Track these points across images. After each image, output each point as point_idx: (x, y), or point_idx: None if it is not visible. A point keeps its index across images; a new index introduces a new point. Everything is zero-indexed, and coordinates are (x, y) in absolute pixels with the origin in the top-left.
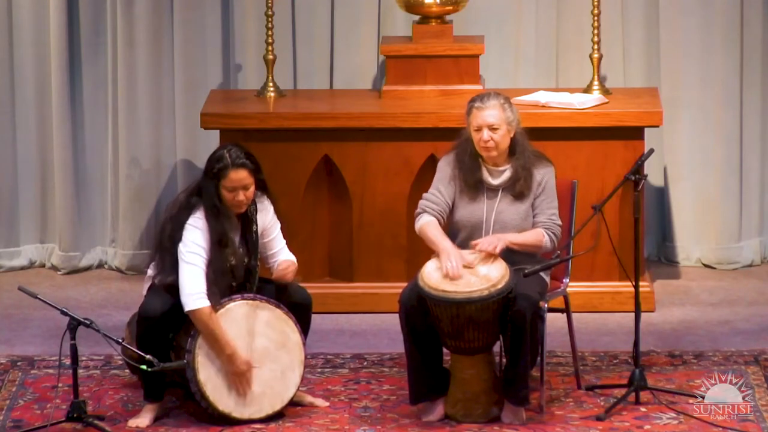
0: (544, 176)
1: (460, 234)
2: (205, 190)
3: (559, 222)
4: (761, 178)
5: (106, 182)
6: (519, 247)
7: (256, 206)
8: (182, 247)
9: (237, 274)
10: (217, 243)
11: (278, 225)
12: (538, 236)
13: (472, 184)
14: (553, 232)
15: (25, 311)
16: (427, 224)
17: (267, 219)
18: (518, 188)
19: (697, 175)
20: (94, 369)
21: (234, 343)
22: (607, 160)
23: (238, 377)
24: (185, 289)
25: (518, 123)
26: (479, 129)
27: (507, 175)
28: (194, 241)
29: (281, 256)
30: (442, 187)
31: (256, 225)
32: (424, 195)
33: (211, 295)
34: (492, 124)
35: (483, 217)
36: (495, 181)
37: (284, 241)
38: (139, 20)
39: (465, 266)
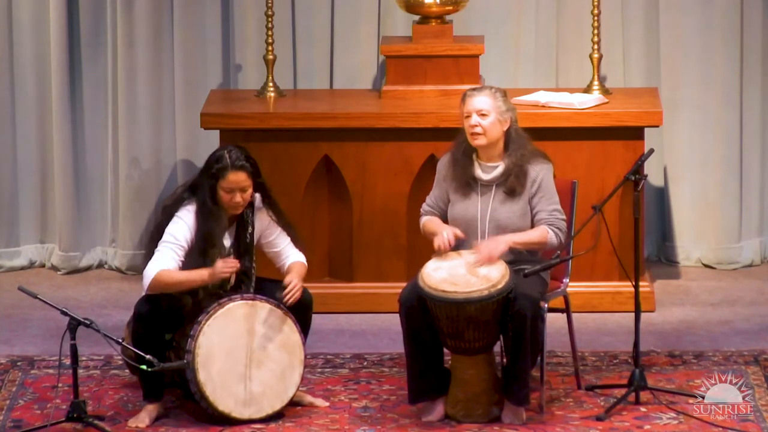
0: (539, 173)
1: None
2: (199, 188)
3: (563, 216)
4: (761, 178)
5: (106, 182)
6: (523, 246)
7: (253, 209)
8: (161, 239)
9: (230, 275)
10: (204, 242)
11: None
12: (542, 233)
13: (464, 180)
14: (557, 227)
15: (25, 311)
16: (427, 221)
17: (264, 221)
18: (510, 184)
19: (697, 175)
20: (94, 369)
21: (199, 271)
22: (607, 160)
23: (225, 270)
24: (144, 273)
25: (514, 119)
26: (469, 115)
27: (499, 170)
28: (171, 232)
29: (288, 253)
30: (436, 190)
31: (252, 228)
32: (426, 198)
33: (196, 294)
34: (480, 109)
35: (477, 214)
36: (486, 177)
37: (289, 239)
38: (139, 20)
39: (455, 246)
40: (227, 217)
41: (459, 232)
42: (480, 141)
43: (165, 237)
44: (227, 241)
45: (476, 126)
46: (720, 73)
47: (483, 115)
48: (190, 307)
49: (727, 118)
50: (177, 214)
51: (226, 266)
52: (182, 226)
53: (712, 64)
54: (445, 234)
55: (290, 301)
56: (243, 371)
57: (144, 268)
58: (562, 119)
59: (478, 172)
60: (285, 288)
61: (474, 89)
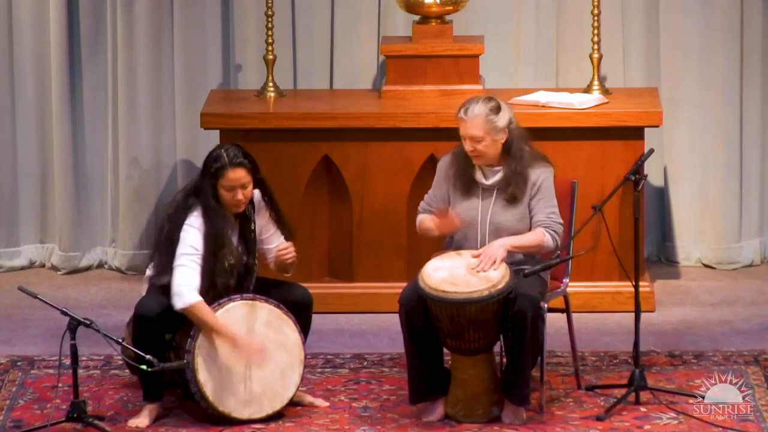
0: (540, 176)
1: (456, 233)
2: (202, 190)
3: (560, 220)
4: (761, 178)
5: (106, 182)
6: (521, 250)
7: (253, 205)
8: (178, 250)
9: (236, 273)
10: (214, 243)
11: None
12: (538, 236)
13: (465, 182)
14: (554, 230)
15: (25, 311)
16: (424, 218)
17: (264, 218)
18: (510, 191)
19: (697, 175)
20: (94, 369)
21: (233, 329)
22: (607, 160)
23: (250, 358)
24: (174, 288)
25: (515, 125)
26: (464, 139)
27: (500, 175)
28: (190, 243)
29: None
30: (437, 189)
31: (254, 224)
32: (424, 196)
33: (207, 294)
34: (474, 136)
35: (478, 217)
36: (488, 181)
37: (282, 237)
38: (139, 20)
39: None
40: (231, 216)
41: (471, 260)
42: (479, 162)
43: (185, 249)
44: (233, 240)
45: (473, 151)
46: (720, 73)
47: (477, 140)
48: None
49: (727, 118)
50: (186, 222)
51: (260, 357)
52: (195, 234)
53: (712, 64)
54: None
55: (287, 257)
56: (243, 371)
57: (146, 268)
58: (562, 119)
59: (479, 177)
60: (280, 249)
61: (465, 111)
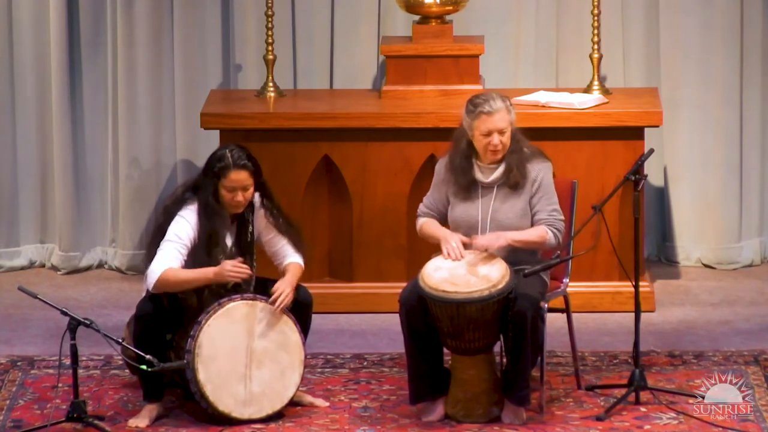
0: (540, 172)
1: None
2: (202, 188)
3: (561, 217)
4: (761, 178)
5: (106, 182)
6: (522, 244)
7: (253, 208)
8: (165, 237)
9: None
10: (207, 241)
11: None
12: (540, 233)
13: (465, 184)
14: (556, 228)
15: (25, 311)
16: (425, 223)
17: (263, 221)
18: (512, 180)
19: (697, 175)
20: (94, 369)
21: (204, 270)
22: (607, 160)
23: (233, 273)
24: (148, 270)
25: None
26: (489, 134)
27: (500, 171)
28: (176, 232)
29: (285, 252)
30: (435, 192)
31: (252, 226)
32: (423, 199)
33: (202, 294)
34: (502, 128)
35: (478, 216)
36: (487, 179)
37: (285, 239)
38: (139, 20)
39: (465, 245)
40: (229, 216)
41: (464, 238)
42: (499, 156)
43: (168, 236)
44: (228, 240)
45: (498, 145)
46: (720, 73)
47: (503, 132)
48: (195, 306)
49: (727, 118)
50: (179, 213)
51: (236, 270)
52: (185, 225)
53: (712, 64)
54: (453, 243)
55: (279, 308)
56: (243, 371)
57: (145, 267)
58: (562, 119)
59: (479, 175)
60: (273, 295)
61: (489, 105)
